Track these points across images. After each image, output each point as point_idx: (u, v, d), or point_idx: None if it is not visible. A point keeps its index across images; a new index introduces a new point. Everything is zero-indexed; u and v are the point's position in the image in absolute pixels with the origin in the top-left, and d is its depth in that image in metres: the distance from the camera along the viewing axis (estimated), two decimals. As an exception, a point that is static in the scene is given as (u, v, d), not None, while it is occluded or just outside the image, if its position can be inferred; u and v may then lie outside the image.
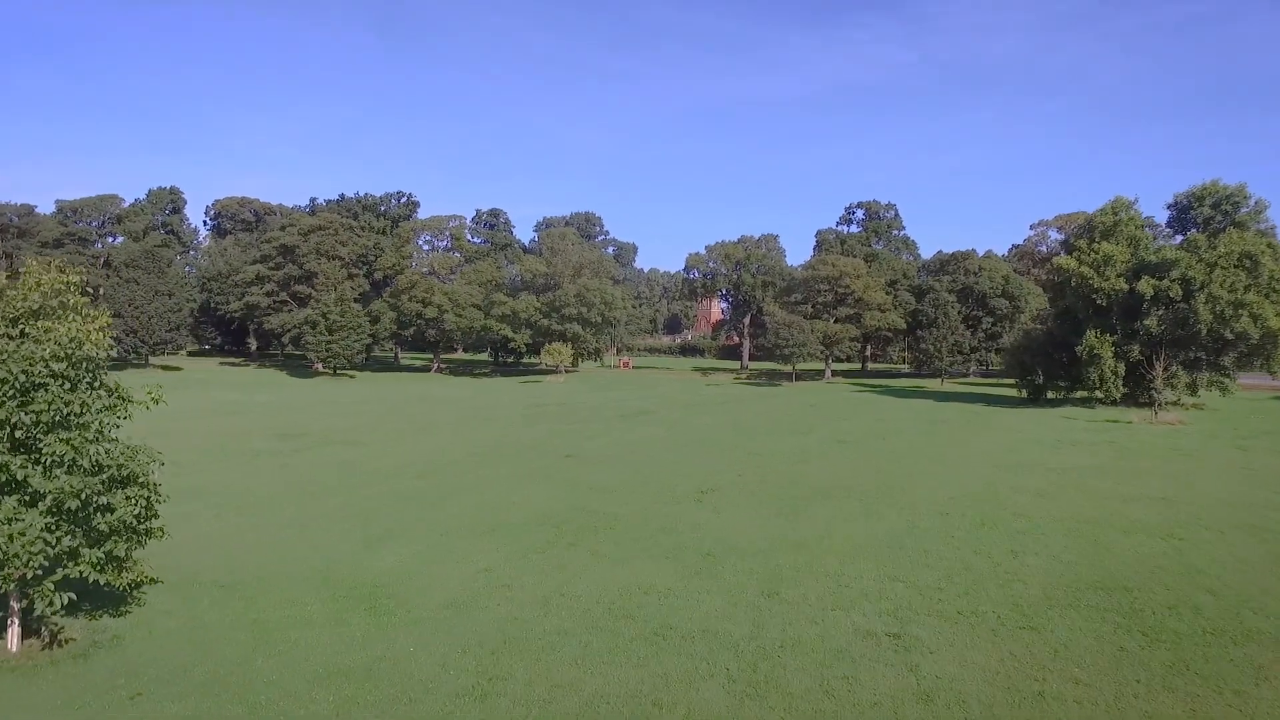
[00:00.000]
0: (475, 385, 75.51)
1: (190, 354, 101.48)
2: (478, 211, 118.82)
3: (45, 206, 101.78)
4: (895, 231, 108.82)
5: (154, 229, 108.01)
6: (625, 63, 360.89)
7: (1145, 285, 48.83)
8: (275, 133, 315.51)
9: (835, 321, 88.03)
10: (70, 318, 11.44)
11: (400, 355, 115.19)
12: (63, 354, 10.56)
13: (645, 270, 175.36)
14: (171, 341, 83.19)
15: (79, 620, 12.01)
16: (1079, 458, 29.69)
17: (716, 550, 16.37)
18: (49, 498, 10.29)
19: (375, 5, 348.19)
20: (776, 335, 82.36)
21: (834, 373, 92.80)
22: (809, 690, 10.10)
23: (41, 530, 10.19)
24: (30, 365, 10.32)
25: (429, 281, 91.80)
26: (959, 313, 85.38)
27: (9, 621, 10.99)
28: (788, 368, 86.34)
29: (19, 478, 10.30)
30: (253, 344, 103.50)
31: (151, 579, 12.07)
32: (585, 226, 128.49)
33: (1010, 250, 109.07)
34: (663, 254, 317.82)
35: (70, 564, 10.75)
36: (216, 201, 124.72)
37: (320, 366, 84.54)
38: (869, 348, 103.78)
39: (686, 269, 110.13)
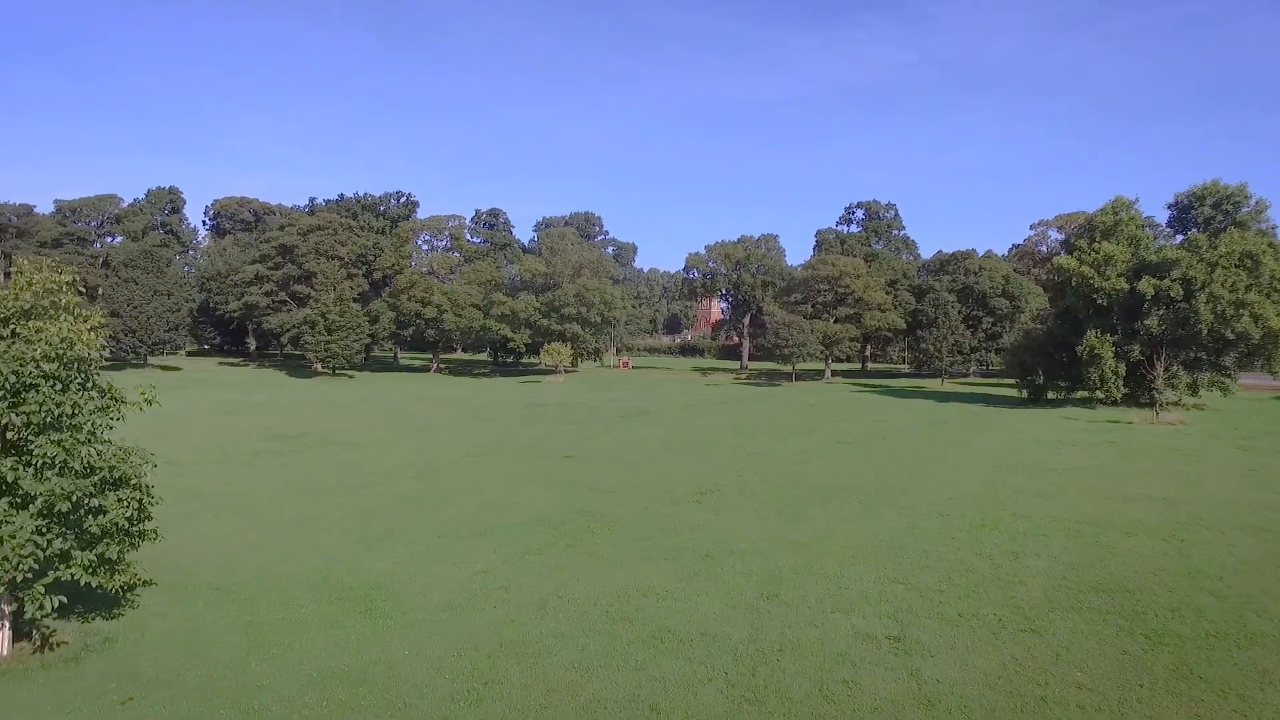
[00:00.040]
0: (474, 385, 75.39)
1: (189, 354, 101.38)
2: (477, 211, 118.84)
3: (44, 206, 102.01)
4: (895, 231, 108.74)
5: (153, 229, 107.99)
6: (625, 63, 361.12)
7: (1146, 285, 48.71)
8: (275, 133, 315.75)
9: (835, 321, 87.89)
10: (62, 318, 11.32)
11: (399, 355, 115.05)
12: (54, 354, 10.44)
13: (645, 270, 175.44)
14: (170, 341, 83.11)
15: (71, 623, 11.90)
16: (1080, 458, 29.57)
17: (715, 552, 16.26)
18: (40, 500, 10.17)
19: (375, 5, 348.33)
20: (776, 335, 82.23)
21: (834, 373, 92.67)
22: (808, 695, 9.98)
23: (32, 533, 10.08)
24: (21, 366, 10.20)
25: (428, 281, 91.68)
26: (959, 313, 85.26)
27: (-1, 624, 10.89)
28: (787, 368, 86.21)
29: (9, 480, 10.18)
30: (252, 344, 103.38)
31: (145, 581, 11.97)
32: (585, 226, 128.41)
33: (1010, 250, 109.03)
34: (662, 254, 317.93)
35: (62, 566, 10.65)
36: (216, 201, 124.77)
37: (319, 366, 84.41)
38: (869, 348, 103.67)
39: (686, 269, 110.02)
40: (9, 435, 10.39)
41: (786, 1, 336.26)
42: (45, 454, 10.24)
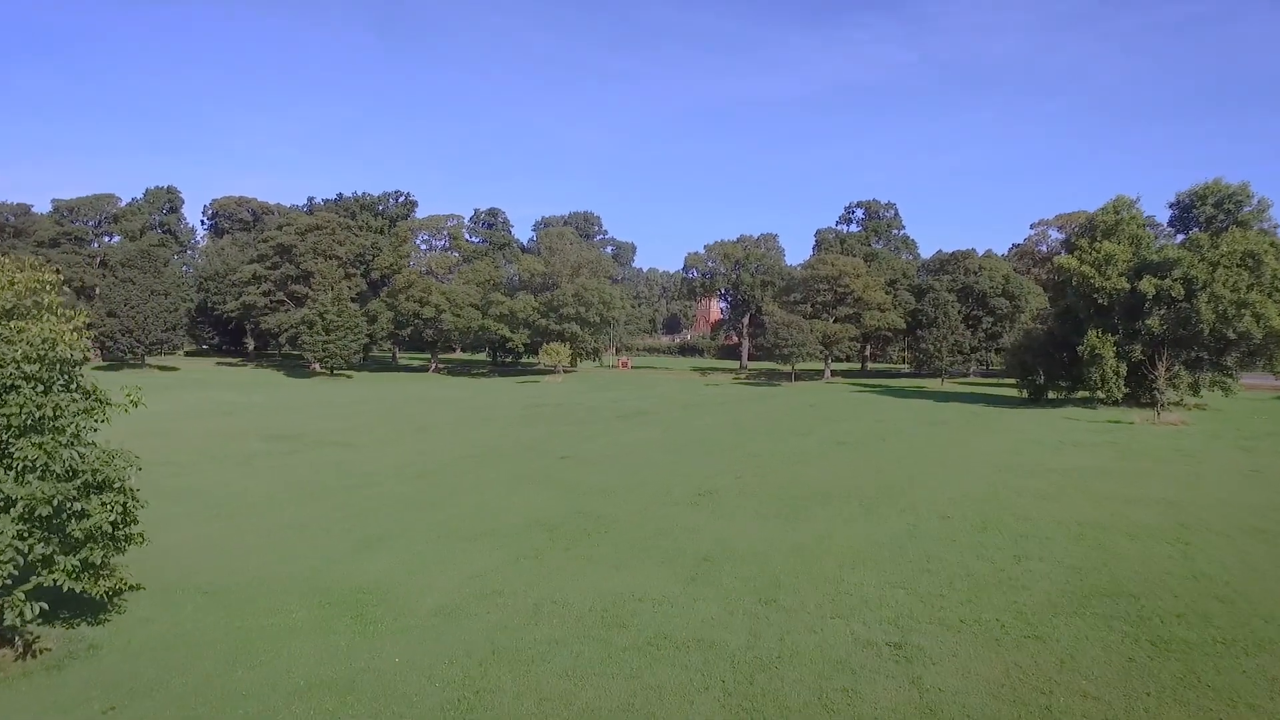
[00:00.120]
0: (473, 385, 75.15)
1: (187, 354, 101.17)
2: (476, 211, 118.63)
3: (42, 206, 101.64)
4: (895, 231, 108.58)
5: (151, 229, 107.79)
6: (625, 63, 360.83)
7: (1147, 284, 48.48)
8: (274, 133, 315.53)
9: (835, 321, 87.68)
10: (45, 318, 11.09)
11: (398, 355, 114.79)
12: (35, 355, 10.21)
13: (644, 270, 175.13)
14: (168, 341, 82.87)
15: (55, 629, 11.66)
16: (1081, 459, 29.34)
17: (713, 555, 16.02)
18: (20, 504, 9.93)
19: (375, 5, 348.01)
20: (776, 335, 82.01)
21: (833, 373, 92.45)
22: (807, 704, 9.74)
23: (13, 538, 9.84)
24: (0, 367, 9.97)
25: (426, 281, 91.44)
26: (959, 312, 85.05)
27: (-20, 632, 10.65)
28: (787, 368, 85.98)
29: (-11, 483, 9.95)
30: (250, 344, 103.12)
31: (132, 586, 11.74)
32: (584, 226, 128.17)
33: (1010, 250, 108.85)
34: (662, 254, 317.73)
35: (45, 572, 10.41)
36: (214, 201, 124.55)
37: (317, 366, 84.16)
38: (869, 347, 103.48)
39: (685, 269, 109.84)
40: (-11, 438, 10.15)
41: (786, 1, 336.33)
42: (26, 457, 10.00)
